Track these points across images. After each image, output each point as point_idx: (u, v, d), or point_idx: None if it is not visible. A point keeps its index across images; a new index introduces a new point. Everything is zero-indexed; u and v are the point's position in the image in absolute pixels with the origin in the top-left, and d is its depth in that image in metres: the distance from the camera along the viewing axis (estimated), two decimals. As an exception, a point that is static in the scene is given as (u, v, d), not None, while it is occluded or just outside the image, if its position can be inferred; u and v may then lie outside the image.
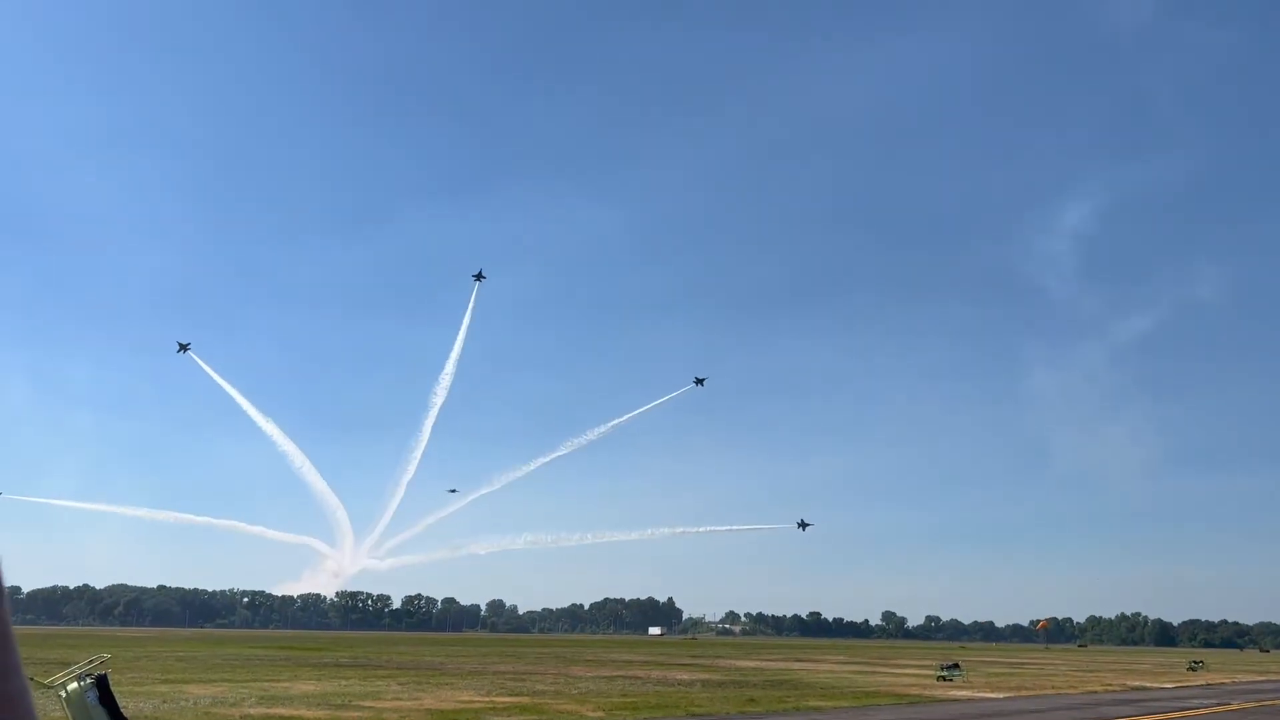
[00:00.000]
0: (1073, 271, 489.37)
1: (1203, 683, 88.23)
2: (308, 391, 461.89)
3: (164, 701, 46.24)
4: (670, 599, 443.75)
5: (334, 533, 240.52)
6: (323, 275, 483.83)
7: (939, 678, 79.11)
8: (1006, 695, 65.20)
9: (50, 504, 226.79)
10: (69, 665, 29.47)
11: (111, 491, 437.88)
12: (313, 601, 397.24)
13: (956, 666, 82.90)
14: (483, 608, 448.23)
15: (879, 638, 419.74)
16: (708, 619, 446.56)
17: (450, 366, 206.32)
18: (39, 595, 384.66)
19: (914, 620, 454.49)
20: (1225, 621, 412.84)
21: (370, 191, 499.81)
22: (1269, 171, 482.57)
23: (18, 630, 1.77)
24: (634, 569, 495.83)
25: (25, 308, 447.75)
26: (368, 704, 47.38)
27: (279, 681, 62.29)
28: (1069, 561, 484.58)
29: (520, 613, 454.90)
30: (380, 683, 63.00)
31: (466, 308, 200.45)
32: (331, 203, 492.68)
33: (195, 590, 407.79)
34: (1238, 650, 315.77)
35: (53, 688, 26.10)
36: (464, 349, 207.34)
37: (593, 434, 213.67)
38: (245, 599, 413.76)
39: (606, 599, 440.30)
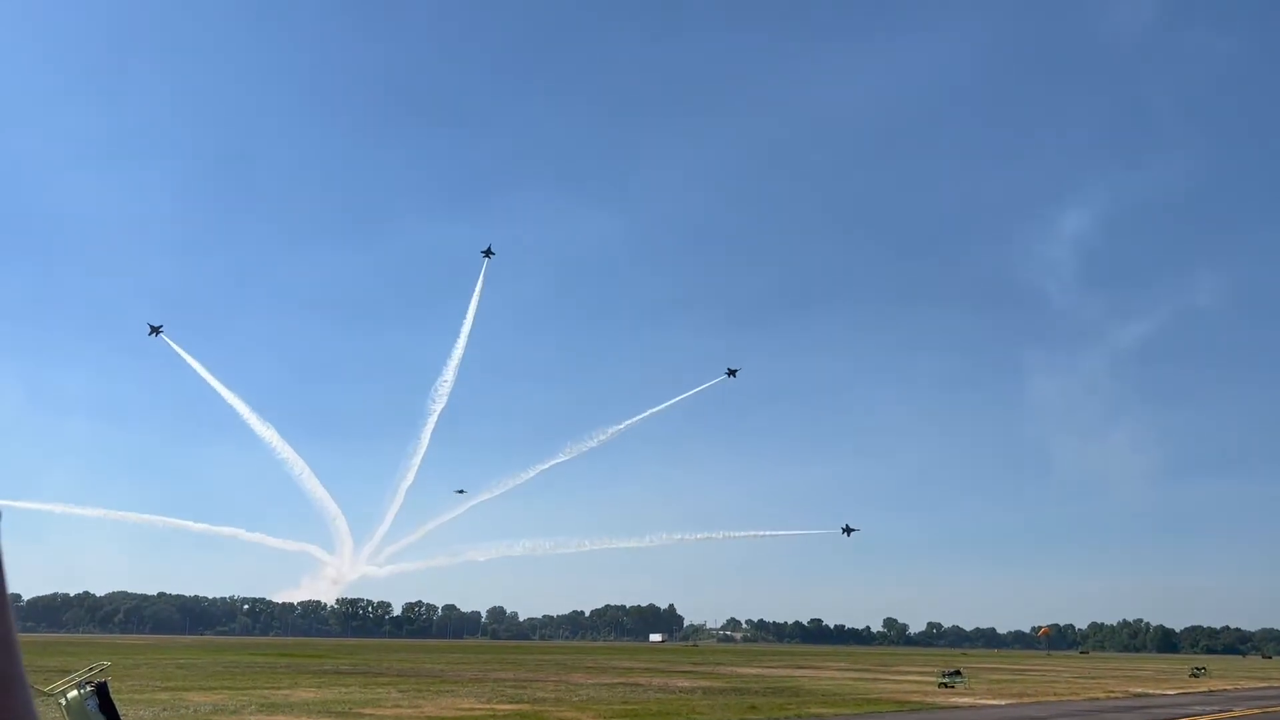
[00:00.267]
0: (1073, 278, 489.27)
1: (1205, 689, 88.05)
2: (307, 398, 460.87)
3: (164, 709, 46.16)
4: (671, 606, 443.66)
5: (333, 540, 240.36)
6: (322, 282, 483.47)
7: (941, 685, 78.96)
8: (1009, 702, 65.06)
9: (49, 510, 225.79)
10: (68, 673, 29.41)
11: (111, 500, 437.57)
12: (313, 608, 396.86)
13: (958, 673, 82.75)
14: (483, 615, 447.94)
15: (880, 644, 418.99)
16: (709, 626, 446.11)
17: (459, 350, 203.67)
18: (39, 603, 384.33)
19: (916, 627, 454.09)
20: (1228, 628, 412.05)
21: (369, 197, 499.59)
22: (1269, 178, 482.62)
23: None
24: (635, 576, 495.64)
25: (20, 315, 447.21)
26: (368, 711, 47.31)
27: (279, 689, 62.20)
28: (1071, 568, 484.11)
29: (521, 620, 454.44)
30: (381, 690, 62.90)
31: (474, 288, 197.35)
32: (330, 209, 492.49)
33: (195, 597, 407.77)
34: (1240, 656, 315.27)
35: (52, 696, 26.03)
36: (467, 349, 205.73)
37: (611, 431, 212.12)
38: (245, 606, 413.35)
39: (607, 606, 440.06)
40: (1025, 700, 67.30)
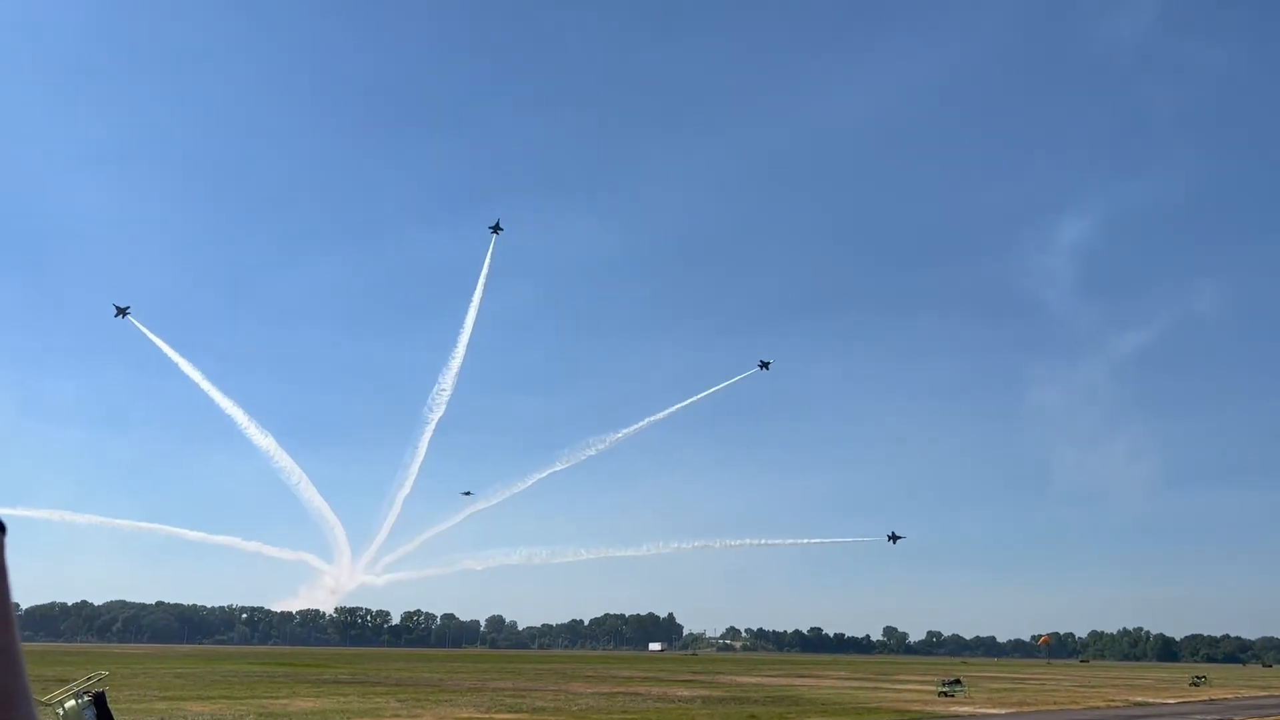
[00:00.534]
0: (1071, 287, 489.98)
1: (1205, 698, 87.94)
2: (304, 408, 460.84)
3: (162, 719, 46.07)
4: (671, 614, 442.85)
5: (331, 549, 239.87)
6: (318, 292, 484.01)
7: (940, 693, 78.88)
8: (1009, 711, 64.97)
9: (46, 518, 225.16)
10: (67, 682, 29.36)
11: (109, 508, 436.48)
12: (311, 617, 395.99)
13: (958, 682, 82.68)
14: (482, 624, 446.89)
15: (880, 653, 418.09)
16: (708, 635, 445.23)
17: (460, 351, 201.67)
18: (37, 612, 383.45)
19: (915, 635, 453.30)
20: (1228, 636, 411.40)
21: (366, 207, 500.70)
22: (1267, 187, 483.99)
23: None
24: (634, 585, 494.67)
25: (16, 323, 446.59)
26: (367, 721, 47.18)
27: (278, 698, 62.07)
28: (1071, 576, 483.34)
29: (520, 628, 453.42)
30: (379, 699, 62.77)
31: (482, 265, 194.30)
32: (327, 218, 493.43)
33: (194, 606, 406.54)
34: (1240, 665, 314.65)
35: (50, 705, 26.01)
36: (467, 353, 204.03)
37: (621, 434, 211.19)
38: (244, 615, 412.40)
39: (607, 614, 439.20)
40: (1025, 709, 67.21)
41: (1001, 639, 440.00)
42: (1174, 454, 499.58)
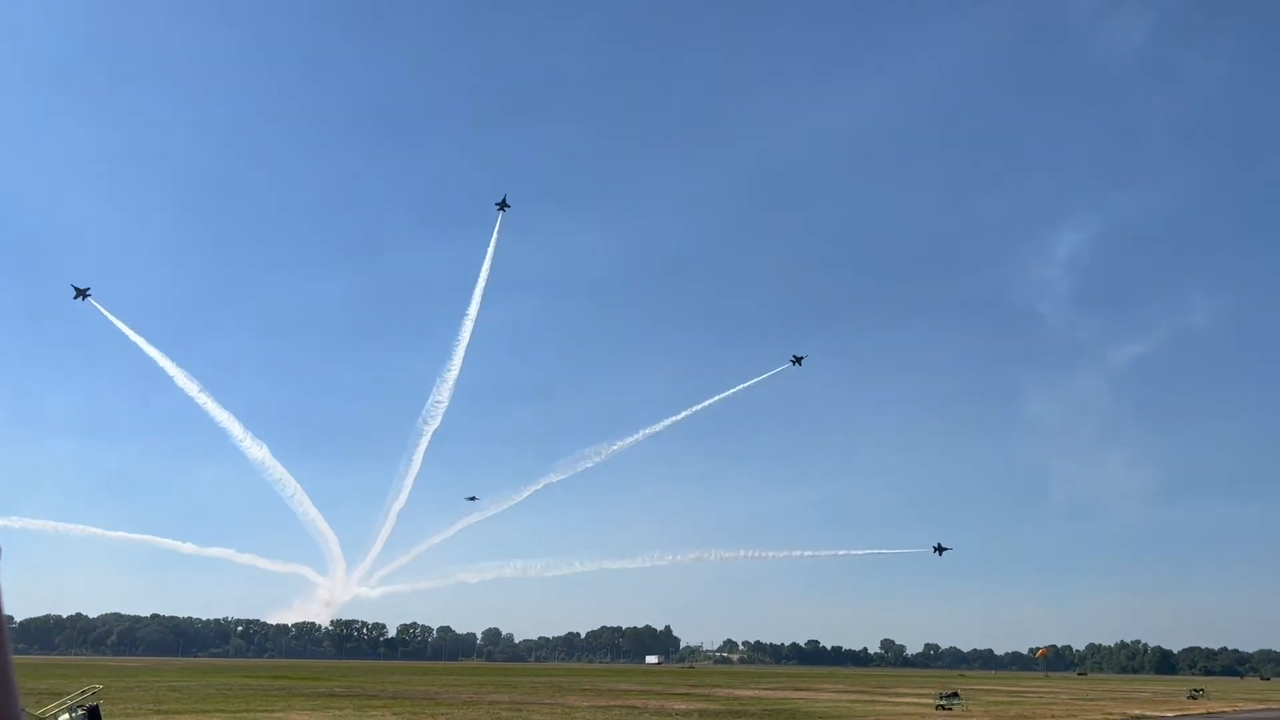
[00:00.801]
0: (1068, 299, 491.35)
1: (1203, 711, 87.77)
2: (299, 418, 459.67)
3: (156, 732, 45.82)
4: (668, 627, 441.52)
5: (325, 561, 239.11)
6: (316, 302, 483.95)
7: (938, 706, 78.65)
8: (1006, 724, 64.74)
9: (39, 529, 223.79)
10: (61, 696, 29.22)
11: (102, 520, 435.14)
12: (307, 630, 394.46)
13: (956, 695, 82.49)
14: (479, 636, 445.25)
15: (878, 666, 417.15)
16: (705, 647, 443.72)
17: (460, 350, 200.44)
18: (31, 624, 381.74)
19: (913, 648, 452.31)
20: (1225, 649, 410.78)
21: (363, 218, 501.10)
22: (1261, 200, 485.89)
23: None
24: (631, 597, 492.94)
25: (8, 332, 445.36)
26: (362, 735, 46.97)
27: (273, 712, 61.80)
28: (1068, 589, 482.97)
29: (516, 641, 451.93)
30: (375, 713, 62.50)
31: (490, 242, 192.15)
32: (324, 229, 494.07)
33: (189, 619, 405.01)
34: (1238, 678, 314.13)
35: (44, 719, 25.87)
36: (466, 354, 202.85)
37: (624, 443, 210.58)
38: (239, 628, 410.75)
39: (603, 627, 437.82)
40: (1023, 722, 67.01)
41: (999, 651, 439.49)
42: (1171, 466, 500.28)
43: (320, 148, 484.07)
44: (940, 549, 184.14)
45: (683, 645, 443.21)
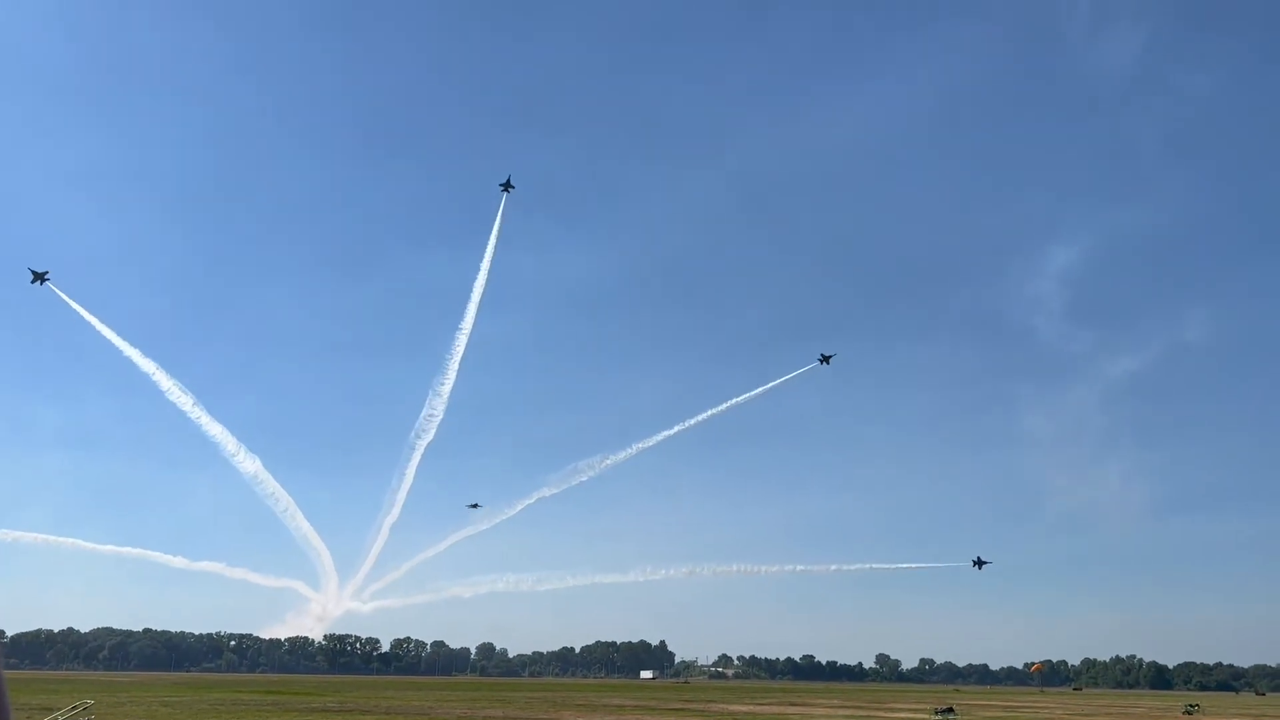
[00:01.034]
0: (1061, 314, 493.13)
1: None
2: (291, 432, 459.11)
3: (148, 748, 45.54)
4: (662, 642, 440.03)
5: (318, 576, 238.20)
6: (309, 316, 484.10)
7: (933, 722, 78.42)
8: (1001, 740, 64.57)
9: (30, 541, 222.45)
10: (52, 711, 29.08)
11: (92, 534, 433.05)
12: (300, 645, 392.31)
13: (951, 710, 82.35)
14: (473, 651, 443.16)
15: (873, 680, 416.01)
16: (700, 662, 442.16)
17: (460, 349, 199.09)
18: (23, 639, 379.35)
19: (908, 663, 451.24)
20: (1221, 664, 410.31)
21: (358, 231, 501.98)
22: (1254, 215, 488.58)
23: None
24: (626, 612, 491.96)
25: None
26: (355, 750, 46.72)
27: (265, 727, 61.42)
28: (1064, 604, 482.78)
29: (510, 656, 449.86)
30: (368, 728, 62.15)
31: (492, 228, 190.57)
32: (319, 243, 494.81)
33: (181, 634, 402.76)
34: (1233, 693, 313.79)
35: (36, 735, 25.79)
36: (462, 362, 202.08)
37: (618, 457, 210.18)
38: (231, 642, 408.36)
39: (598, 642, 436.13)
40: (1018, 738, 66.86)
41: (994, 666, 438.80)
42: (1166, 480, 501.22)
43: (314, 160, 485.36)
44: (979, 563, 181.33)
45: (677, 660, 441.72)
